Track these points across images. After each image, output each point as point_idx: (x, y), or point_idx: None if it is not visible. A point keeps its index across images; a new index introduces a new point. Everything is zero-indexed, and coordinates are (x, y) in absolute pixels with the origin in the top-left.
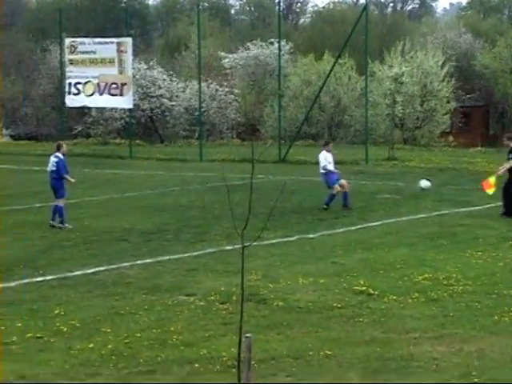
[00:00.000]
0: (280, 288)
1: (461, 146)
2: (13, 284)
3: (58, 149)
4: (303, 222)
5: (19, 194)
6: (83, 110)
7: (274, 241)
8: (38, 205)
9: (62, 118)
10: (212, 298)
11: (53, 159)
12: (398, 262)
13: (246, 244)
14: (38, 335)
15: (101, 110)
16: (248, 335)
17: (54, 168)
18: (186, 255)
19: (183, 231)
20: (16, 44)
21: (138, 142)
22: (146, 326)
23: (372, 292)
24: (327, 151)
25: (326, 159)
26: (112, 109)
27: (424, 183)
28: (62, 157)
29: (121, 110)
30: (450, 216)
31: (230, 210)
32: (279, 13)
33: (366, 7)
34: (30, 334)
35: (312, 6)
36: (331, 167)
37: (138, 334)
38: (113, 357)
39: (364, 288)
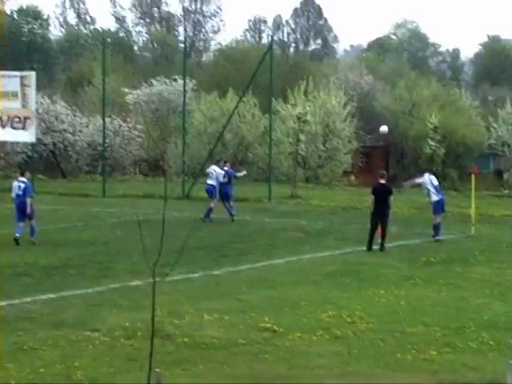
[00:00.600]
0: (185, 324)
1: (362, 185)
2: None
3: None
4: (207, 258)
5: None
6: None
7: (179, 277)
8: None
9: None
10: (117, 333)
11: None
12: (302, 299)
13: (155, 279)
14: None
15: (2, 143)
16: (157, 370)
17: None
18: (90, 290)
19: (87, 266)
20: None
21: (39, 176)
22: (50, 362)
23: (277, 329)
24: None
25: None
26: (13, 142)
27: (383, 128)
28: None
29: (23, 144)
30: (353, 254)
31: (140, 245)
32: (185, 49)
33: (271, 46)
34: None
35: (215, 44)
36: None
37: (42, 370)
38: None
39: (269, 325)
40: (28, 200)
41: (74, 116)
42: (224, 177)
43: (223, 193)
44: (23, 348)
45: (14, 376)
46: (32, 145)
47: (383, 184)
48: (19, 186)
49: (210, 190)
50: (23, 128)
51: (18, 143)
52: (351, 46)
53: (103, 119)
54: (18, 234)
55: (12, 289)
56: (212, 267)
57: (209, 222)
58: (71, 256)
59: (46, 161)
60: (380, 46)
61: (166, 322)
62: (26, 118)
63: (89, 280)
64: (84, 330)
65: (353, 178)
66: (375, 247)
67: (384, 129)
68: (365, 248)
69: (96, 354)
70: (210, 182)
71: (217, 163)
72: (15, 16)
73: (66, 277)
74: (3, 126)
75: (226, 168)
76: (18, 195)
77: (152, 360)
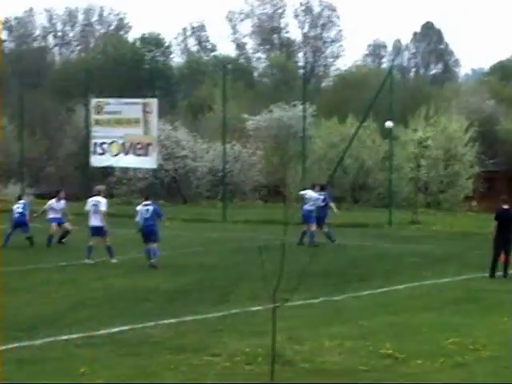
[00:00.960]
0: (305, 350)
1: (483, 210)
2: (38, 342)
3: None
4: (328, 284)
5: (43, 252)
6: (106, 170)
7: (298, 302)
8: (62, 263)
9: (86, 178)
10: (238, 358)
11: (19, 205)
12: (423, 325)
13: (276, 305)
14: None
15: (124, 170)
16: None
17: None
18: (210, 315)
19: (207, 291)
20: (41, 104)
21: (161, 202)
22: None
23: (398, 356)
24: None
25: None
26: (135, 169)
27: (388, 124)
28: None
29: (145, 169)
30: (475, 281)
31: (261, 271)
32: (305, 75)
33: (390, 71)
34: None
35: (334, 70)
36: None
37: None
38: None
39: (390, 351)
40: (162, 219)
41: (195, 142)
42: (322, 201)
43: (320, 217)
44: (145, 372)
45: None
46: (154, 171)
47: (507, 209)
48: (147, 210)
49: (308, 215)
50: (145, 154)
51: (140, 169)
52: (472, 70)
53: (224, 145)
54: (152, 260)
55: (134, 313)
56: (332, 293)
57: (313, 246)
58: (192, 281)
59: (168, 187)
60: (502, 69)
61: (286, 348)
62: (148, 145)
63: (209, 305)
64: (205, 354)
65: (474, 203)
66: (498, 274)
67: (389, 124)
68: (487, 274)
69: (217, 379)
70: (307, 207)
71: (312, 188)
72: (138, 44)
73: (186, 301)
74: (126, 153)
75: (322, 192)
76: (146, 219)
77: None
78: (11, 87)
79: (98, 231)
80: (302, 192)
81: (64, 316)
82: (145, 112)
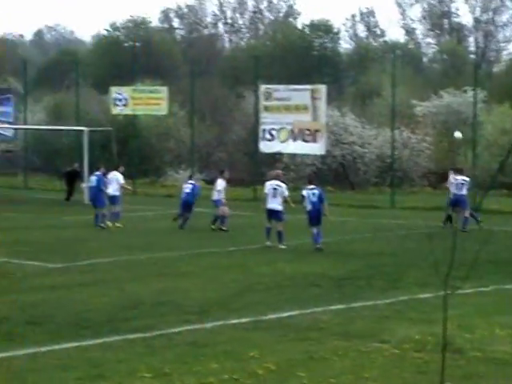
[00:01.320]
0: (476, 338)
1: None
2: (208, 325)
3: (98, 169)
4: (499, 273)
5: (212, 236)
6: (275, 156)
7: (470, 290)
8: (231, 248)
9: (255, 164)
10: (406, 345)
11: (93, 177)
12: None
13: (447, 292)
14: (234, 377)
15: (292, 156)
16: None
17: (95, 184)
18: (378, 302)
19: (375, 278)
20: (211, 90)
21: (328, 188)
22: (340, 372)
23: None
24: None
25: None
26: (303, 155)
27: (457, 134)
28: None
29: (312, 156)
30: None
31: (431, 257)
32: (476, 60)
33: None
34: (226, 376)
35: (506, 54)
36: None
37: (333, 380)
38: None
39: None
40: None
41: (363, 128)
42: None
43: (460, 201)
44: (314, 357)
45: None
46: (321, 157)
47: None
48: (313, 194)
49: (463, 200)
50: (314, 141)
51: (308, 155)
52: None
53: (392, 131)
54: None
55: (303, 298)
56: (503, 281)
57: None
58: (359, 267)
59: (335, 173)
60: None
61: (456, 336)
62: (316, 131)
63: (377, 291)
64: (373, 341)
65: None
66: None
67: (458, 134)
68: None
69: (385, 366)
70: (461, 192)
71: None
72: (307, 31)
73: (354, 288)
74: (294, 139)
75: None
76: (313, 202)
77: (444, 374)
78: (182, 74)
79: (275, 214)
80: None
81: (233, 300)
82: (313, 98)
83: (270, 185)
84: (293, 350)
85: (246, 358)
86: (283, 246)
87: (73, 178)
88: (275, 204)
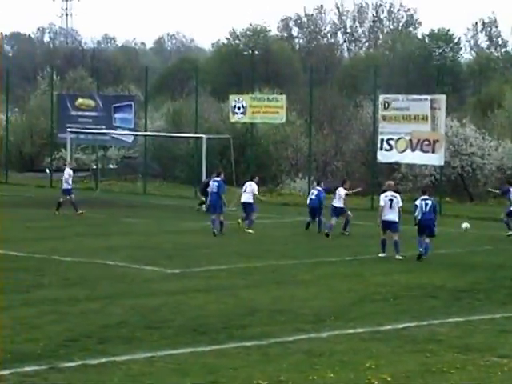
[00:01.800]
0: None
1: None
2: (324, 335)
3: (218, 175)
4: None
5: (329, 246)
6: (392, 166)
7: None
8: (347, 258)
9: (373, 174)
10: None
11: (214, 183)
12: None
13: None
14: None
15: (410, 166)
16: None
17: (215, 190)
18: (497, 316)
19: (495, 291)
20: (329, 100)
21: (447, 199)
22: None
23: None
24: None
25: None
26: (421, 165)
27: (465, 225)
28: (221, 181)
29: (431, 166)
30: None
31: None
32: None
33: None
34: None
35: None
36: None
37: None
38: None
39: None
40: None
41: (483, 139)
42: None
43: None
44: (431, 370)
45: None
46: (440, 168)
47: None
48: (426, 204)
49: None
50: (432, 151)
51: (426, 166)
52: None
53: None
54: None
55: (420, 310)
56: None
57: None
58: (479, 280)
59: (454, 184)
60: None
61: None
62: (435, 141)
63: (496, 305)
64: (492, 355)
65: None
66: None
67: (466, 225)
68: None
69: (504, 381)
70: None
71: None
72: (427, 40)
73: (473, 301)
74: (413, 149)
75: None
76: (423, 213)
77: None
78: (300, 83)
79: (393, 225)
80: None
81: (349, 310)
82: (432, 108)
83: (385, 196)
84: (409, 361)
85: (362, 369)
86: (400, 257)
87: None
88: (392, 215)
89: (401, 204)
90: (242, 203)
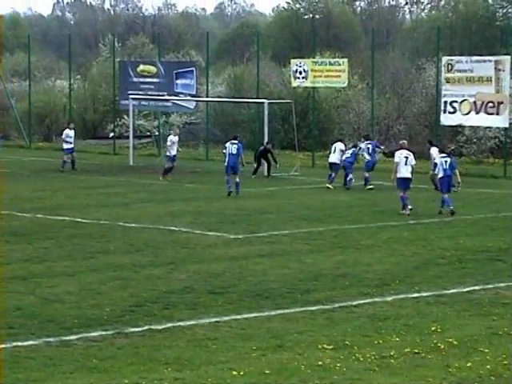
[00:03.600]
0: None
1: None
2: (389, 299)
3: (235, 138)
4: None
5: (391, 210)
6: (456, 129)
7: None
8: (411, 222)
9: (436, 137)
10: None
11: (233, 146)
12: None
13: None
14: (416, 351)
15: (474, 128)
16: None
17: (235, 152)
18: None
19: None
20: (391, 63)
21: (511, 161)
22: None
23: None
24: None
25: None
26: (486, 128)
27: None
28: (240, 143)
29: (495, 129)
30: None
31: None
32: None
33: None
34: (407, 349)
35: None
36: None
37: None
38: (491, 377)
39: None
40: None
41: None
42: None
43: None
44: (498, 333)
45: (490, 360)
46: (505, 130)
47: None
48: (445, 161)
49: None
50: (497, 113)
51: (490, 128)
52: None
53: None
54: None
55: (486, 273)
56: None
57: None
58: None
59: None
60: None
61: None
62: (499, 103)
63: None
64: None
65: None
66: None
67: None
68: None
69: None
70: None
71: None
72: (490, 0)
73: None
74: (477, 112)
75: None
76: (230, 154)
77: None
78: (362, 46)
79: (408, 182)
80: None
81: (414, 274)
82: (497, 70)
83: (400, 154)
84: (475, 325)
85: (428, 333)
86: (407, 212)
87: (263, 155)
88: (407, 173)
89: (414, 162)
90: (329, 163)
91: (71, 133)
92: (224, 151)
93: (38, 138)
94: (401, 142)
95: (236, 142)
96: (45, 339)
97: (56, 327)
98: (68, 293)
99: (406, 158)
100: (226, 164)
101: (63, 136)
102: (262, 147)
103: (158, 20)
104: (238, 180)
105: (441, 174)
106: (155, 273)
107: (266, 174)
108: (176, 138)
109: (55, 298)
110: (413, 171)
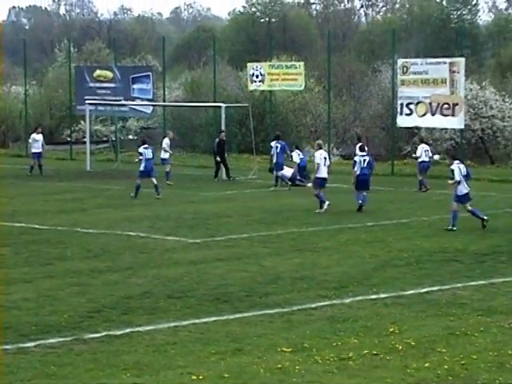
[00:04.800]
0: None
1: None
2: (347, 301)
3: (144, 143)
4: None
5: (349, 212)
6: (412, 131)
7: None
8: (369, 223)
9: (393, 139)
10: None
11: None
12: None
13: None
14: (374, 352)
15: (430, 130)
16: None
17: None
18: None
19: None
20: (348, 65)
21: (468, 162)
22: (482, 348)
23: None
24: None
25: None
26: (442, 129)
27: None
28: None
29: (451, 130)
30: None
31: None
32: None
33: None
34: (365, 351)
35: None
36: None
37: (474, 356)
38: (449, 377)
39: None
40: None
41: (503, 101)
42: None
43: None
44: (455, 333)
45: (447, 361)
46: (460, 131)
47: None
48: (364, 160)
49: None
50: (452, 114)
51: (446, 130)
52: None
53: None
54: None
55: (443, 274)
56: None
57: None
58: (501, 242)
59: (475, 147)
60: None
61: None
62: (454, 105)
63: None
64: None
65: None
66: None
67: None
68: None
69: None
70: None
71: None
72: (444, 3)
73: (496, 264)
74: (433, 113)
75: None
76: (362, 168)
77: None
78: (318, 49)
79: (325, 182)
80: None
81: (372, 275)
82: (452, 72)
83: (320, 155)
84: (433, 325)
85: (386, 334)
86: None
87: (219, 147)
88: (326, 173)
89: (329, 163)
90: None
91: (38, 137)
92: (140, 157)
93: None
94: (317, 141)
95: (365, 154)
96: (2, 346)
97: (13, 334)
98: (25, 299)
99: (325, 158)
100: (143, 169)
101: (30, 140)
102: (216, 139)
103: (113, 25)
104: (155, 182)
105: (358, 172)
106: (113, 278)
107: (224, 177)
108: (169, 141)
109: (12, 304)
110: (329, 171)
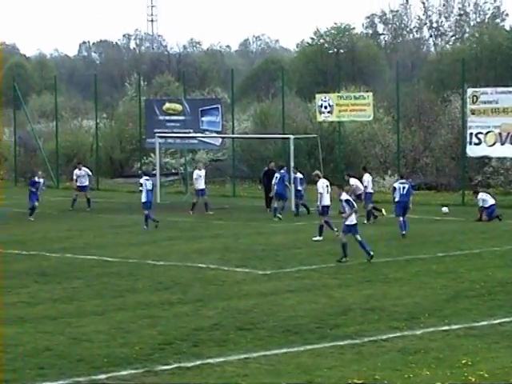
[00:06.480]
0: None
1: None
2: (419, 332)
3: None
4: None
5: (420, 243)
6: (483, 160)
7: None
8: (440, 254)
9: (463, 169)
10: None
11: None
12: None
13: None
14: None
15: (501, 159)
16: None
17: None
18: None
19: None
20: (417, 95)
21: None
22: None
23: None
24: None
25: None
26: None
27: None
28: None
29: None
30: None
31: None
32: None
33: None
34: (438, 383)
35: None
36: None
37: None
38: None
39: None
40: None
41: None
42: None
43: None
44: None
45: None
46: None
47: None
48: (403, 187)
49: None
50: None
51: None
52: None
53: None
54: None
55: None
56: None
57: None
58: None
59: None
60: None
61: None
62: None
63: None
64: None
65: None
66: None
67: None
68: None
69: None
70: None
71: None
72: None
73: None
74: (502, 143)
75: None
76: (401, 195)
77: None
78: (387, 79)
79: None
80: None
81: (443, 306)
82: None
83: (323, 183)
84: (506, 357)
85: (458, 366)
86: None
87: (267, 176)
88: (329, 201)
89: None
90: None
91: (79, 172)
92: (140, 188)
93: (65, 177)
94: (316, 172)
95: (404, 181)
96: (75, 379)
97: (86, 367)
98: (97, 332)
99: (327, 186)
100: (145, 199)
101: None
102: (265, 168)
103: (183, 58)
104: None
105: (397, 199)
106: (184, 310)
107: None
108: (202, 172)
109: (84, 337)
110: (331, 199)
